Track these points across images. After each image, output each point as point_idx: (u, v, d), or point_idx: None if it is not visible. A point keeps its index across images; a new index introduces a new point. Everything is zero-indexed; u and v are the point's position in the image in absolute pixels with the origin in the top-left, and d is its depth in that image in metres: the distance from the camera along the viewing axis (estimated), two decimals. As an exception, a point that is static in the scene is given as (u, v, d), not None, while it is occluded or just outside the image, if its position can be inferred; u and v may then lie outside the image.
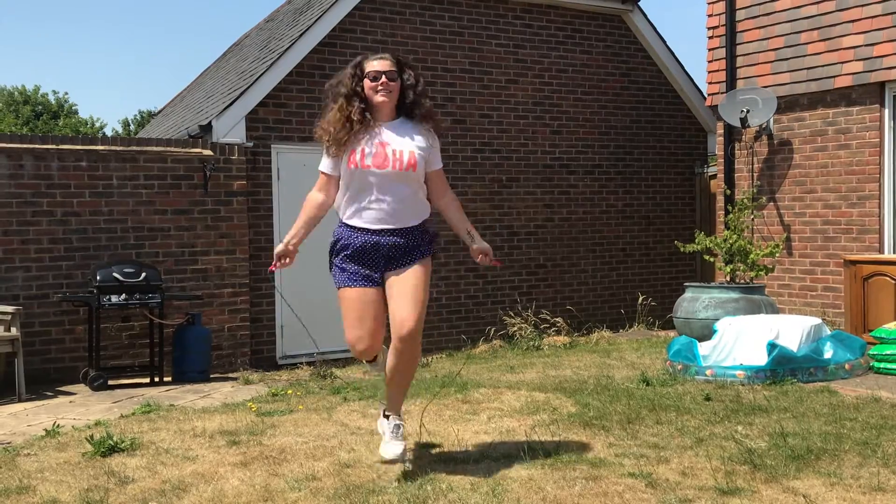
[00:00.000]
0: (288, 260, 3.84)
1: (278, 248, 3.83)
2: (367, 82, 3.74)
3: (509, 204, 9.62)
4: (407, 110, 3.80)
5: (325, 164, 3.81)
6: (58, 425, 5.00)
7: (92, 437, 4.44)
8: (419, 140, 3.76)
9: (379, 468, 3.89)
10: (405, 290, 3.70)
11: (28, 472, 4.06)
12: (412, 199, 3.76)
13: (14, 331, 6.48)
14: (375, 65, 3.74)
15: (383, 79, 3.72)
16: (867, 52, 7.78)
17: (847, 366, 5.94)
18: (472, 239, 3.89)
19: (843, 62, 7.97)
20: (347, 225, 3.77)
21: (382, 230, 3.71)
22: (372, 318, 3.75)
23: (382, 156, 3.69)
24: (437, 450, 4.20)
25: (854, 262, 7.01)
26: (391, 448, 3.71)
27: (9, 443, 4.81)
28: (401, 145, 3.71)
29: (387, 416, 3.83)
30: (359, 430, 4.62)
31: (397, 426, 3.78)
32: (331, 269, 3.84)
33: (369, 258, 3.74)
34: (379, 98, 3.72)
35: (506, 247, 9.61)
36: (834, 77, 8.05)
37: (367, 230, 3.72)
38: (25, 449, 4.53)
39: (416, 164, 3.72)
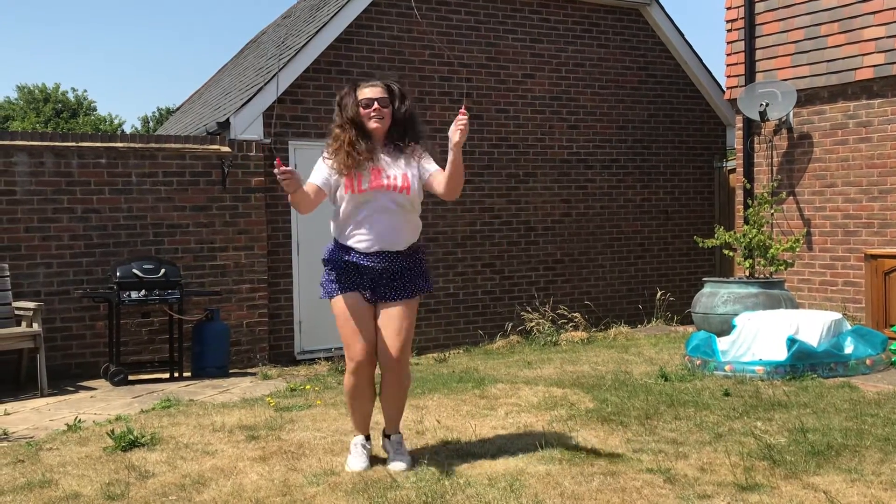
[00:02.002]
0: (291, 174, 3.63)
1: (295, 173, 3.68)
2: (360, 109, 3.82)
3: (526, 199, 9.60)
4: (399, 136, 3.86)
5: (320, 179, 3.79)
6: (79, 420, 5.05)
7: (113, 431, 4.48)
8: (409, 160, 3.85)
9: (397, 465, 3.90)
10: (394, 323, 3.78)
11: (50, 466, 4.10)
12: (404, 221, 3.83)
13: (36, 326, 6.55)
14: (367, 92, 3.83)
15: (375, 105, 3.81)
16: (889, 44, 7.69)
17: (868, 361, 5.89)
18: (450, 152, 3.77)
19: (863, 54, 7.89)
20: (342, 246, 3.84)
21: (376, 253, 3.77)
22: (368, 326, 3.79)
23: (378, 180, 3.76)
24: (455, 445, 4.21)
25: (875, 257, 6.94)
26: (398, 464, 3.83)
27: (31, 437, 4.87)
28: (395, 169, 3.80)
29: (388, 437, 3.96)
30: (376, 425, 4.63)
31: (399, 442, 3.92)
32: (326, 280, 3.88)
33: (361, 278, 3.80)
34: (372, 124, 3.81)
35: (523, 242, 9.60)
36: (854, 69, 7.96)
37: (361, 253, 3.78)
38: (48, 443, 4.58)
39: (410, 187, 3.80)
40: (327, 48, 8.49)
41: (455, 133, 3.74)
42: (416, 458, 3.94)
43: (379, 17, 8.79)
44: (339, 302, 3.81)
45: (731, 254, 8.18)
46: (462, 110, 3.74)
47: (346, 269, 3.81)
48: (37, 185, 7.19)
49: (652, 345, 7.79)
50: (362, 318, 3.79)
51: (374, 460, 3.95)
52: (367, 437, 3.98)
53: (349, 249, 3.80)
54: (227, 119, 8.03)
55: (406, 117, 3.87)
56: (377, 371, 3.91)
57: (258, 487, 3.64)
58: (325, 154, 3.87)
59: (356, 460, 3.89)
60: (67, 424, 4.97)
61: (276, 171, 3.56)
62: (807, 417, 4.55)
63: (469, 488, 3.50)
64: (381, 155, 3.83)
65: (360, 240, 3.78)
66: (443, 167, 3.88)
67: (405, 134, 3.87)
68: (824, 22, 8.20)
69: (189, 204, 7.74)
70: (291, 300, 8.32)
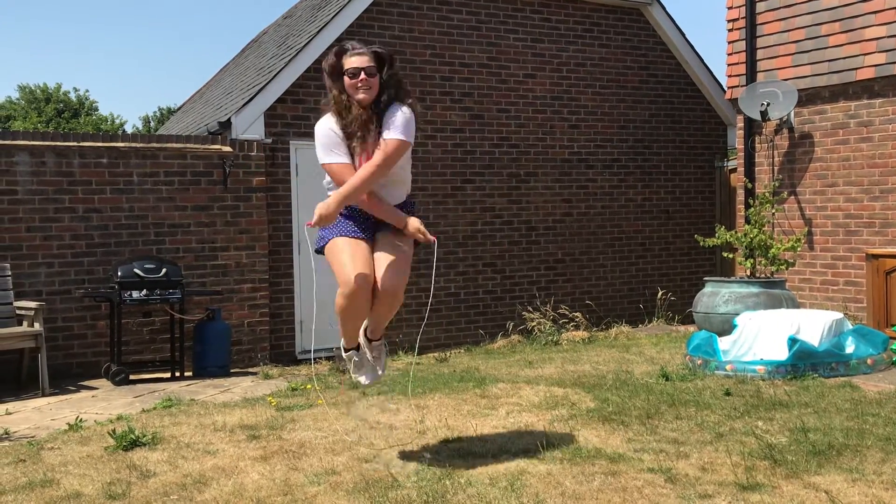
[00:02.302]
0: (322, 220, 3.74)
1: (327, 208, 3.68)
2: (346, 79, 3.72)
3: (527, 199, 9.60)
4: (388, 100, 3.76)
5: (337, 157, 3.75)
6: (80, 419, 5.06)
7: (114, 431, 4.49)
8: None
9: (398, 465, 3.90)
10: (389, 254, 3.77)
11: (52, 465, 4.11)
12: (396, 183, 3.87)
13: (37, 326, 6.55)
14: (354, 61, 3.71)
15: (362, 75, 3.70)
16: (890, 44, 7.69)
17: (869, 361, 5.88)
18: (399, 218, 3.86)
19: (865, 54, 7.88)
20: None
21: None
22: (364, 258, 3.73)
23: (371, 150, 3.75)
24: (456, 444, 4.21)
25: (876, 256, 6.94)
26: (371, 373, 4.02)
27: (33, 437, 4.87)
28: (382, 136, 3.74)
29: (369, 340, 3.98)
30: (378, 425, 4.63)
31: (379, 351, 3.99)
32: (316, 240, 3.92)
33: (362, 220, 3.86)
34: (360, 95, 3.71)
35: (524, 241, 9.60)
36: (856, 69, 7.96)
37: (356, 207, 3.84)
38: (49, 443, 4.59)
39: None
40: (328, 48, 8.47)
41: (415, 234, 3.82)
42: (389, 379, 4.06)
43: (380, 16, 8.79)
44: (333, 242, 3.78)
45: (731, 255, 8.17)
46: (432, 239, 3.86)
47: (343, 219, 3.83)
48: (38, 184, 7.20)
49: (653, 344, 7.79)
50: (357, 249, 3.74)
51: (381, 449, 3.95)
52: (357, 348, 4.04)
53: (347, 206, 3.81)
54: (229, 119, 8.04)
55: (395, 81, 3.77)
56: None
57: (259, 487, 3.65)
58: (333, 124, 3.76)
59: (359, 376, 4.05)
60: (69, 424, 4.98)
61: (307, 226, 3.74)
62: (808, 417, 4.55)
63: (470, 487, 3.51)
64: (375, 126, 3.77)
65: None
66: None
67: (393, 97, 3.76)
68: (825, 21, 8.20)
69: (190, 203, 7.74)
70: (293, 300, 8.33)
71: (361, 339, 4.00)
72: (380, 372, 4.05)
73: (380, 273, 3.73)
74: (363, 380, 4.08)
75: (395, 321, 8.70)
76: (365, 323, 3.98)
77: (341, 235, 3.80)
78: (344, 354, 4.09)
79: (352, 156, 3.78)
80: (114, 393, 6.46)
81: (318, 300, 7.68)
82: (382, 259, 3.77)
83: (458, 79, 9.18)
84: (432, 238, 3.87)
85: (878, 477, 3.56)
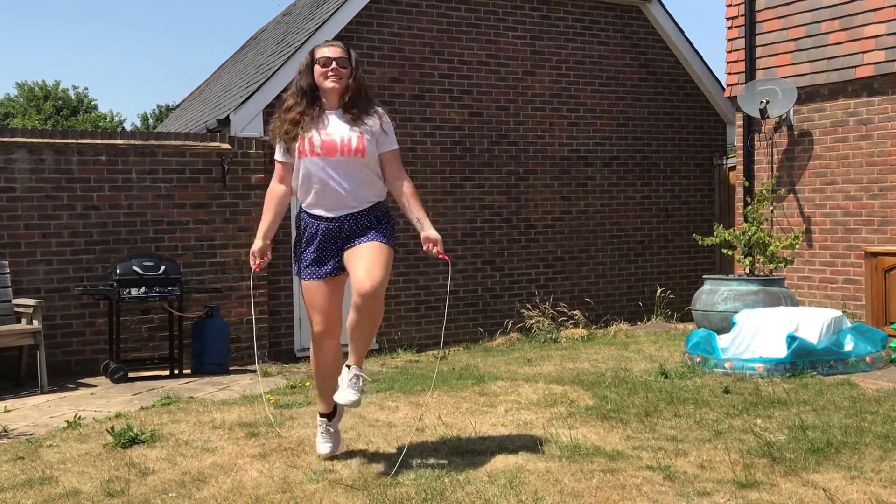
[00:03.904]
0: (266, 256, 3.94)
1: (256, 245, 3.92)
2: (317, 68, 3.78)
3: (526, 196, 9.59)
4: (352, 100, 3.80)
5: (279, 154, 3.89)
6: (79, 417, 5.05)
7: (113, 428, 4.48)
8: (367, 125, 3.76)
9: (397, 460, 3.90)
10: (364, 255, 3.71)
11: (50, 463, 4.10)
12: (366, 183, 3.79)
13: (36, 323, 6.55)
14: (326, 51, 3.78)
15: (333, 65, 3.74)
16: (889, 42, 7.68)
17: (868, 358, 5.89)
18: (421, 226, 3.84)
19: (864, 52, 7.88)
20: (308, 213, 3.84)
21: (342, 216, 3.76)
22: (331, 305, 3.83)
23: (329, 143, 3.72)
24: (455, 442, 4.20)
25: (875, 254, 6.94)
26: (346, 395, 3.68)
27: (31, 434, 4.87)
28: (349, 132, 3.73)
29: (348, 367, 3.78)
30: (376, 423, 4.63)
31: (356, 376, 3.74)
32: (295, 260, 3.92)
33: (331, 243, 3.79)
34: (329, 84, 3.75)
35: (523, 239, 9.60)
36: (855, 67, 7.96)
37: (327, 218, 3.77)
38: (48, 440, 4.58)
39: (365, 150, 3.74)
40: (327, 45, 8.48)
41: (426, 245, 3.83)
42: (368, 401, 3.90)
43: (379, 13, 8.78)
44: (305, 284, 3.86)
45: (730, 252, 8.17)
46: (444, 255, 3.83)
47: (312, 238, 3.80)
48: (37, 182, 7.19)
49: (652, 342, 7.79)
50: (325, 297, 3.80)
51: (380, 446, 3.95)
52: (331, 417, 3.97)
53: (313, 215, 3.80)
54: (227, 116, 8.03)
55: (358, 85, 3.80)
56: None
57: (258, 484, 3.64)
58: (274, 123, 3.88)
59: (321, 444, 3.95)
60: (67, 421, 4.97)
61: (257, 269, 3.93)
62: (806, 415, 4.55)
63: (469, 485, 3.51)
64: (334, 117, 3.77)
65: (320, 205, 3.77)
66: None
67: (357, 102, 3.79)
68: (825, 19, 8.19)
69: (189, 201, 7.73)
70: (291, 297, 8.32)
71: (342, 374, 3.81)
72: (354, 397, 3.70)
73: (355, 277, 3.68)
74: (322, 449, 3.92)
75: (394, 319, 8.71)
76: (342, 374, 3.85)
77: (306, 278, 3.82)
78: (318, 419, 4.00)
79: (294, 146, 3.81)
80: (112, 390, 6.45)
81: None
82: (358, 263, 3.70)
83: (456, 76, 9.17)
84: (446, 257, 3.85)
85: (877, 475, 3.56)
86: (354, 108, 3.78)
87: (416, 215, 3.85)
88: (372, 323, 3.74)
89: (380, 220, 3.82)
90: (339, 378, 3.78)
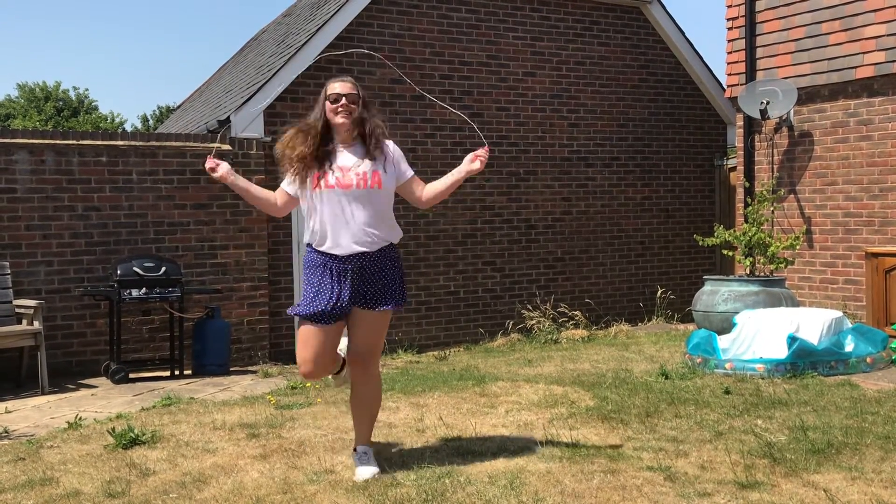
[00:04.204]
0: (219, 172, 3.86)
1: (227, 167, 3.87)
2: (327, 105, 3.78)
3: (527, 197, 9.59)
4: (362, 136, 3.80)
5: (287, 183, 3.86)
6: (80, 418, 5.06)
7: (113, 429, 4.49)
8: (380, 159, 3.78)
9: (398, 461, 3.91)
10: (368, 331, 3.76)
11: (51, 463, 4.11)
12: (380, 219, 3.75)
13: (37, 324, 6.55)
14: (336, 87, 3.79)
15: (343, 101, 3.75)
16: (889, 42, 7.68)
17: (868, 359, 5.89)
18: (458, 172, 3.88)
19: (864, 52, 7.88)
20: (318, 251, 3.75)
21: (352, 255, 3.70)
22: (325, 350, 3.72)
23: (347, 177, 3.70)
24: (455, 443, 4.21)
25: (876, 255, 6.94)
26: (363, 472, 3.71)
27: (32, 435, 4.87)
28: (363, 166, 3.73)
29: (354, 450, 3.85)
30: (377, 424, 4.63)
31: (365, 453, 3.80)
32: (303, 297, 3.81)
33: (338, 286, 3.70)
34: (339, 119, 3.75)
35: (523, 240, 9.60)
36: (855, 68, 7.96)
37: (338, 257, 3.70)
38: (49, 441, 4.59)
39: (382, 182, 3.73)
40: (328, 46, 8.49)
41: (475, 162, 3.83)
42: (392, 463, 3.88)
43: (379, 14, 8.79)
44: (304, 327, 3.74)
45: (730, 253, 8.17)
46: (487, 147, 3.87)
47: (319, 279, 3.72)
48: (37, 182, 7.20)
49: (652, 343, 7.79)
50: (319, 342, 3.70)
51: (380, 447, 3.95)
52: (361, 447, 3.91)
53: (323, 253, 3.73)
54: (228, 117, 8.03)
55: (369, 124, 3.80)
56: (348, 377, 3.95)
57: (259, 485, 3.65)
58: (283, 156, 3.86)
59: (362, 470, 3.80)
60: (68, 422, 4.98)
61: (207, 165, 3.85)
62: (807, 415, 4.55)
63: (469, 486, 3.51)
64: (347, 153, 3.76)
65: (331, 241, 3.70)
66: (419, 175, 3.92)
67: (370, 138, 3.79)
68: (825, 20, 8.19)
69: (190, 202, 7.73)
70: (292, 298, 8.32)
71: (353, 456, 3.84)
72: (370, 473, 3.69)
73: (358, 347, 3.76)
74: (363, 476, 3.73)
75: (395, 320, 8.71)
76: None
77: (307, 322, 3.71)
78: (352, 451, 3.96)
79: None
80: (113, 391, 6.46)
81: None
82: (362, 335, 3.75)
83: (457, 77, 9.17)
84: (485, 149, 3.88)
85: (878, 475, 3.56)
86: (365, 142, 3.78)
87: (448, 176, 3.89)
88: (376, 397, 3.88)
89: (391, 267, 3.80)
90: (353, 457, 3.85)
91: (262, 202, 3.97)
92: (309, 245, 3.82)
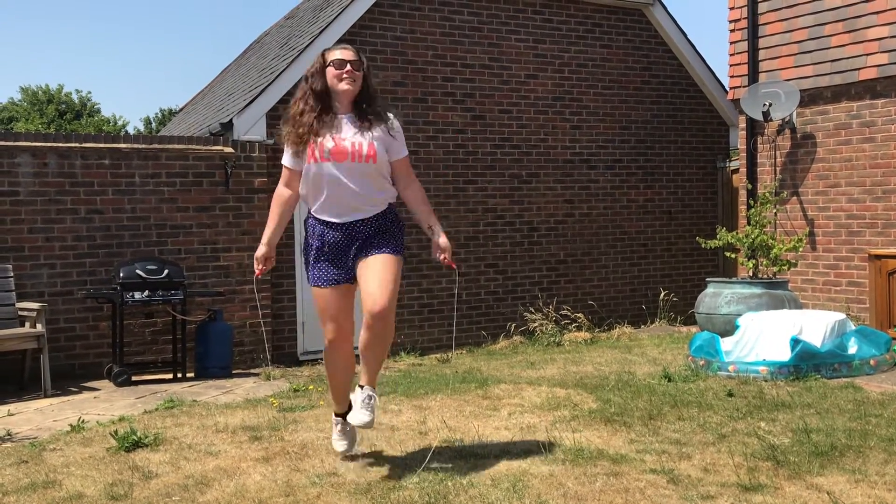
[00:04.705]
0: (270, 262, 3.96)
1: (260, 251, 3.93)
2: (330, 70, 3.72)
3: (529, 199, 9.60)
4: (364, 104, 3.77)
5: (287, 159, 3.84)
6: (83, 421, 5.06)
7: (116, 432, 4.48)
8: (378, 130, 3.74)
9: (400, 464, 3.90)
10: (376, 271, 3.70)
11: (54, 466, 4.11)
12: (376, 187, 3.76)
13: (39, 327, 6.56)
14: (338, 53, 3.74)
15: (348, 67, 3.70)
16: (893, 44, 7.68)
17: (872, 361, 5.87)
18: (433, 233, 3.87)
19: (867, 54, 7.87)
20: (317, 219, 3.78)
21: (351, 222, 3.73)
22: (343, 313, 3.80)
23: (341, 148, 3.68)
24: (458, 445, 4.20)
25: (879, 257, 6.93)
26: (359, 416, 3.72)
27: (35, 438, 4.87)
28: (359, 137, 3.70)
29: (361, 387, 3.80)
30: (379, 426, 4.63)
31: (369, 396, 3.76)
32: (305, 263, 3.90)
33: (341, 252, 3.76)
34: (343, 86, 3.71)
35: (526, 242, 9.60)
36: (858, 69, 7.95)
37: (337, 224, 3.73)
38: (51, 444, 4.59)
39: (376, 155, 3.71)
40: (330, 49, 8.50)
41: (436, 251, 3.86)
42: (388, 428, 3.88)
43: (382, 17, 8.79)
44: (316, 290, 3.82)
45: (733, 255, 8.17)
46: (452, 263, 3.91)
47: (322, 244, 3.77)
48: (40, 186, 7.21)
49: (655, 345, 7.78)
50: (336, 304, 3.77)
51: (382, 450, 3.95)
52: (346, 415, 3.96)
53: (322, 221, 3.77)
54: (231, 120, 8.04)
55: (372, 93, 3.79)
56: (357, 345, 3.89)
57: (261, 488, 3.64)
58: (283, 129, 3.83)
59: (337, 442, 4.00)
60: (71, 425, 4.98)
61: (259, 275, 3.95)
62: (810, 418, 4.54)
63: (472, 489, 3.50)
64: (346, 122, 3.73)
65: (329, 211, 3.73)
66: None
67: (371, 103, 3.77)
68: (828, 22, 8.19)
69: (192, 205, 7.74)
70: (294, 301, 8.33)
71: (354, 393, 3.84)
72: (367, 418, 3.72)
73: (366, 294, 3.67)
74: (339, 447, 3.99)
75: (398, 322, 8.69)
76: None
77: (316, 285, 3.79)
78: (333, 419, 4.04)
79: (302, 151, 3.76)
80: (116, 394, 6.46)
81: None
82: (369, 279, 3.68)
83: (459, 79, 9.18)
84: (453, 266, 3.89)
85: (881, 478, 3.55)
86: (367, 112, 3.76)
87: (427, 222, 3.88)
88: (385, 341, 3.77)
89: (389, 225, 3.80)
90: (352, 396, 3.84)
91: (287, 216, 3.95)
92: (309, 211, 3.85)
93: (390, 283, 3.68)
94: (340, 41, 8.50)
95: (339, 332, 3.82)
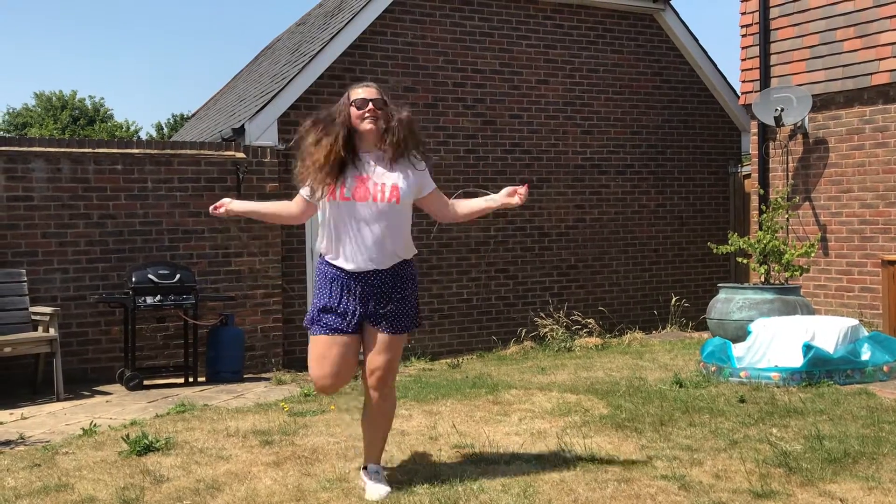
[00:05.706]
0: (228, 213, 3.82)
1: (233, 202, 3.84)
2: (353, 110, 3.58)
3: (540, 205, 9.59)
4: (393, 144, 3.60)
5: (306, 192, 3.69)
6: (95, 424, 5.08)
7: (128, 436, 4.50)
8: (403, 170, 3.61)
9: (411, 469, 3.90)
10: (382, 348, 3.60)
11: (66, 470, 4.13)
12: (396, 235, 3.60)
13: (52, 331, 6.60)
14: (361, 92, 3.60)
15: (370, 106, 3.56)
16: (905, 49, 7.64)
17: (885, 368, 5.83)
18: (493, 200, 3.79)
19: (880, 59, 7.84)
20: (330, 264, 3.63)
21: (365, 273, 3.57)
22: (339, 363, 3.58)
23: (364, 189, 3.55)
24: (468, 451, 4.20)
25: (892, 263, 6.89)
26: (377, 490, 3.55)
27: (48, 441, 4.90)
28: (383, 178, 3.57)
29: (365, 468, 3.70)
30: (390, 431, 4.63)
31: (377, 472, 3.66)
32: (310, 307, 3.74)
33: (349, 302, 3.58)
34: (366, 126, 3.56)
35: (536, 248, 9.59)
36: (871, 74, 7.92)
37: (351, 273, 3.57)
38: (64, 447, 4.61)
39: (400, 198, 3.57)
40: (342, 55, 8.53)
41: (513, 198, 3.73)
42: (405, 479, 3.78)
43: (393, 23, 8.82)
44: (313, 339, 3.64)
45: (745, 261, 8.13)
46: (527, 185, 3.80)
47: (331, 290, 3.61)
48: (54, 190, 7.25)
49: (667, 351, 7.76)
50: (332, 358, 3.57)
51: (393, 455, 3.95)
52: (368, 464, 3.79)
53: (335, 268, 3.60)
54: (242, 125, 8.08)
55: (406, 125, 3.63)
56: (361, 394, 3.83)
57: (272, 492, 3.65)
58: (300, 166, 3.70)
59: (374, 489, 3.63)
60: (83, 429, 5.00)
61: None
62: (823, 424, 4.52)
63: (482, 494, 3.50)
64: (370, 161, 3.59)
65: (344, 254, 3.57)
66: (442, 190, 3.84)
67: (406, 143, 3.62)
68: (840, 27, 8.16)
69: (204, 209, 7.77)
70: (305, 305, 8.34)
71: (361, 475, 3.72)
72: (386, 489, 3.55)
73: (373, 366, 3.58)
74: (378, 494, 3.57)
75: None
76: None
77: (318, 333, 3.60)
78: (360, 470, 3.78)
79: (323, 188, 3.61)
80: (128, 398, 6.49)
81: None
82: (377, 351, 3.58)
83: (470, 85, 9.19)
84: (525, 187, 3.78)
85: (895, 485, 3.52)
86: (392, 152, 3.59)
87: (483, 200, 3.83)
88: (390, 416, 3.74)
89: (406, 287, 3.64)
90: (361, 474, 3.71)
91: (273, 216, 3.97)
92: (321, 255, 3.71)
93: (393, 366, 3.64)
94: (351, 47, 8.54)
95: (333, 382, 3.61)
